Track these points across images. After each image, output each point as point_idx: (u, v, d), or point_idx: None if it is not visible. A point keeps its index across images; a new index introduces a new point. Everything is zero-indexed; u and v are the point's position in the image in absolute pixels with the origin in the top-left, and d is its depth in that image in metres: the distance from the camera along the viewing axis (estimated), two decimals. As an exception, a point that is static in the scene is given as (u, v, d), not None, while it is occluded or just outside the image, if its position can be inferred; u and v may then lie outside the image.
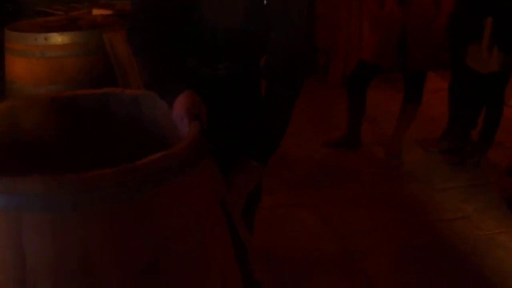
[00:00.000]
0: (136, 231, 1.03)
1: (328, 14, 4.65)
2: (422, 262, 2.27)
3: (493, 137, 3.08)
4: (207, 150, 1.24)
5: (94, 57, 2.40)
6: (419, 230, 2.52)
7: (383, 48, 2.91)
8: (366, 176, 3.01)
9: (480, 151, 3.10)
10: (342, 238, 2.41)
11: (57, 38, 2.32)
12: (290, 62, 1.41)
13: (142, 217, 1.03)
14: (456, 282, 2.15)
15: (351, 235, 2.43)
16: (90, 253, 0.99)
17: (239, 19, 1.46)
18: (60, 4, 3.44)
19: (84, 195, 0.97)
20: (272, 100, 1.43)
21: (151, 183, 1.04)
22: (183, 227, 1.09)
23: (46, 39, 2.32)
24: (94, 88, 1.83)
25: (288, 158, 3.17)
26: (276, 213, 2.60)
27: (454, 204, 2.72)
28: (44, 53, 2.33)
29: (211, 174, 1.25)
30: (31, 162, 1.43)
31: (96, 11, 3.01)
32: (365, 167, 3.11)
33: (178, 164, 1.09)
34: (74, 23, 2.59)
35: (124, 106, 1.50)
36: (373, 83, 3.40)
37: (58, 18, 2.82)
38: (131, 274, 1.02)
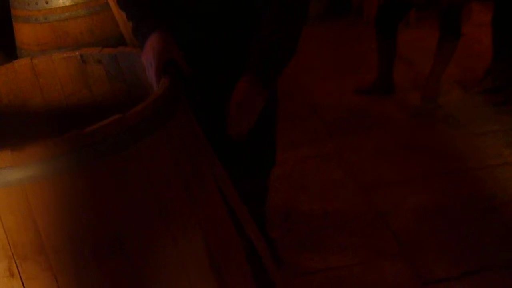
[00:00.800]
0: (91, 204, 0.95)
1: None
2: (457, 215, 2.09)
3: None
4: (180, 105, 1.13)
5: (99, 17, 2.31)
6: (454, 179, 2.32)
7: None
8: (398, 123, 2.80)
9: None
10: (368, 192, 2.26)
11: (58, 0, 2.24)
12: None
13: (97, 188, 0.95)
14: (495, 234, 1.96)
15: (378, 188, 2.28)
16: (40, 231, 0.93)
17: None
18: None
19: (24, 167, 0.89)
20: (272, 24, 1.24)
21: (104, 151, 0.95)
22: (145, 198, 1.00)
23: (47, 2, 2.24)
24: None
25: (316, 105, 3.01)
26: (299, 167, 2.49)
27: (495, 149, 2.48)
28: (47, 17, 2.26)
29: (187, 131, 1.14)
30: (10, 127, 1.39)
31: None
32: (397, 113, 2.89)
33: (136, 128, 0.99)
34: (78, -17, 2.49)
35: (104, 66, 1.41)
36: (409, 20, 3.13)
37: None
38: (88, 252, 0.95)
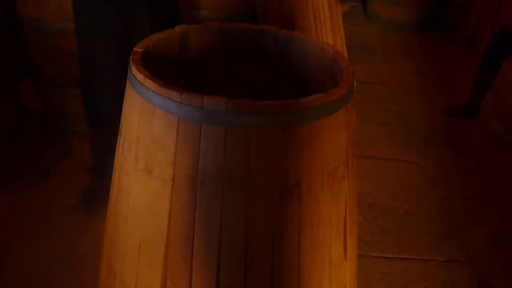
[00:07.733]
0: (286, 155, 1.22)
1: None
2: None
3: None
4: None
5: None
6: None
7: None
8: (478, 145, 2.99)
9: None
10: (442, 201, 2.49)
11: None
12: None
13: (292, 144, 1.21)
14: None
15: (452, 199, 2.50)
16: (248, 167, 1.20)
17: None
18: None
19: (253, 117, 1.16)
20: None
21: (306, 118, 1.21)
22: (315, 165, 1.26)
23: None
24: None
25: (406, 115, 3.22)
26: (380, 166, 2.72)
27: None
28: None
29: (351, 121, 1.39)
30: (195, 79, 1.65)
31: None
32: (479, 136, 3.08)
33: (332, 105, 1.24)
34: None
35: (278, 45, 1.64)
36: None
37: None
38: (276, 191, 1.22)
